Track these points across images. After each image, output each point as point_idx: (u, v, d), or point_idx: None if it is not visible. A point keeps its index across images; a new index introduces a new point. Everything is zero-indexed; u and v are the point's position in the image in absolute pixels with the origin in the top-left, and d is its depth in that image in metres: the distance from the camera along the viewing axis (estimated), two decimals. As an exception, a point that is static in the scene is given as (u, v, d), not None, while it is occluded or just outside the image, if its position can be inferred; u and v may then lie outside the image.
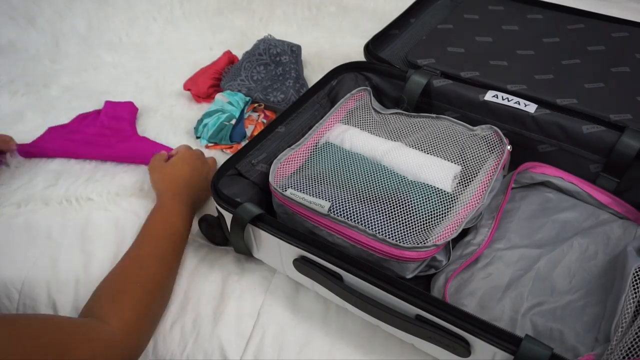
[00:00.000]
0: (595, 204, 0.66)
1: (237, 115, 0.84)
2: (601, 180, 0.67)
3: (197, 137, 0.86)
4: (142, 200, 0.77)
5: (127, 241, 0.72)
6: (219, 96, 0.88)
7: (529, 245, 0.62)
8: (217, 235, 0.68)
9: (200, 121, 0.85)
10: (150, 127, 0.89)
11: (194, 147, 0.85)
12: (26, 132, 0.87)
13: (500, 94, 0.70)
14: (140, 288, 0.58)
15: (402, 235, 0.55)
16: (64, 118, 0.90)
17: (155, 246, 0.62)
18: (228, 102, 0.86)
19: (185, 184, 0.70)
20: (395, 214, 0.57)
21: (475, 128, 0.68)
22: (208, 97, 0.95)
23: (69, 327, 0.52)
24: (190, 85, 0.95)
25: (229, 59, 0.99)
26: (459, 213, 0.58)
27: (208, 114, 0.85)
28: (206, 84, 0.94)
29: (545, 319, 0.55)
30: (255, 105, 0.89)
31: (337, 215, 0.57)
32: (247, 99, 0.88)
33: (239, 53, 1.00)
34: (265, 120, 0.88)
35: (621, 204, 0.65)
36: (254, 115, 0.88)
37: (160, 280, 0.61)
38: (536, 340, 0.44)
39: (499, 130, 0.66)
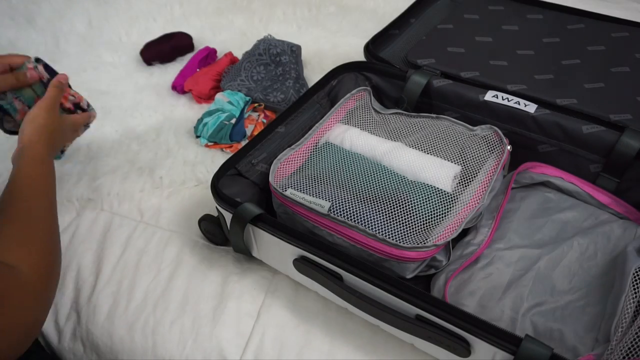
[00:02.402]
0: (595, 204, 0.66)
1: (237, 115, 0.84)
2: (601, 180, 0.67)
3: (197, 136, 0.86)
4: (142, 200, 0.77)
5: (128, 241, 0.72)
6: (219, 95, 0.88)
7: (529, 245, 0.62)
8: (217, 235, 0.68)
9: (200, 120, 0.85)
10: (151, 127, 0.89)
11: (194, 147, 0.85)
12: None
13: (500, 94, 0.70)
14: (42, 236, 0.58)
15: (402, 235, 0.55)
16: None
17: (46, 197, 0.62)
18: (228, 101, 0.86)
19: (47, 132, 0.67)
20: (395, 214, 0.57)
21: (475, 128, 0.68)
22: (209, 98, 0.95)
23: None
24: (191, 85, 0.95)
25: (230, 60, 0.99)
26: (459, 213, 0.58)
27: (208, 113, 0.85)
28: (208, 86, 0.94)
29: (545, 319, 0.55)
30: (255, 105, 0.89)
31: (337, 215, 0.57)
32: (247, 98, 0.88)
33: (239, 53, 1.00)
34: (265, 120, 0.88)
35: (621, 204, 0.65)
36: (254, 115, 0.88)
37: (55, 230, 0.61)
38: (536, 340, 0.44)
39: (499, 130, 0.66)
